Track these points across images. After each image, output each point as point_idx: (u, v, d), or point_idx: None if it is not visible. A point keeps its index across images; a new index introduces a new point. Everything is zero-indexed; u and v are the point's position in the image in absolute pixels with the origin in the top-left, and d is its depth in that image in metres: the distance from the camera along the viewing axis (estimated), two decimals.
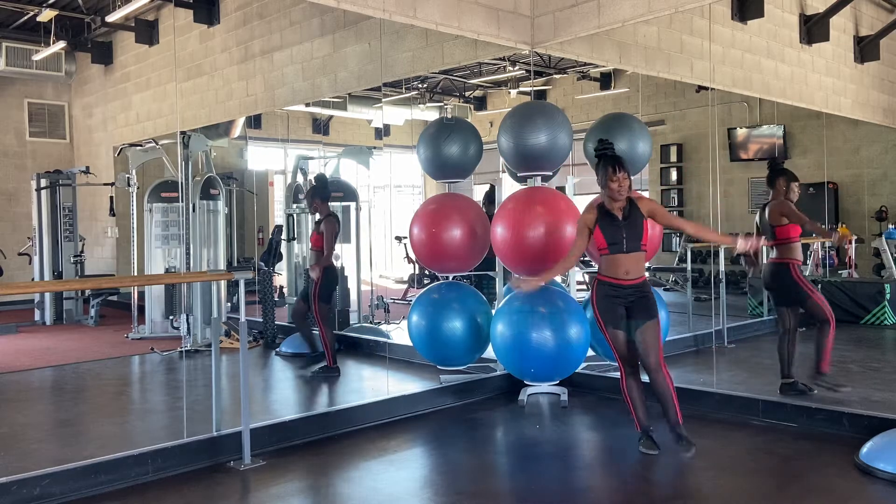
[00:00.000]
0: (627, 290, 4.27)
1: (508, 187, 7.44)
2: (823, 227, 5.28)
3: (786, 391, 5.38)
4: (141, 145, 10.22)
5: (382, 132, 12.68)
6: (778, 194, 5.51)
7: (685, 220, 4.27)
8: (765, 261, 5.81)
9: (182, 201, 8.07)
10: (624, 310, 4.30)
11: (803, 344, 5.54)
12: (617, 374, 5.90)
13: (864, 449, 4.12)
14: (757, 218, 5.77)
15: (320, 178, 6.60)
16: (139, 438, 4.73)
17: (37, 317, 10.31)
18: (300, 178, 9.42)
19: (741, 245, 4.21)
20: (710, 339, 7.04)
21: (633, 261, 4.26)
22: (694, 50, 7.15)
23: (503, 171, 6.76)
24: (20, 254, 11.08)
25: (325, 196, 6.30)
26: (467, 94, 14.09)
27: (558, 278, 6.41)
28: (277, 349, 7.58)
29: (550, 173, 6.25)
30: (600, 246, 4.29)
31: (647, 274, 4.30)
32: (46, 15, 10.31)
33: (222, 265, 8.77)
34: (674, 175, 12.03)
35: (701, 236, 4.36)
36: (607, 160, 4.25)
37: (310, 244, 6.64)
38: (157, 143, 9.93)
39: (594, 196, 6.51)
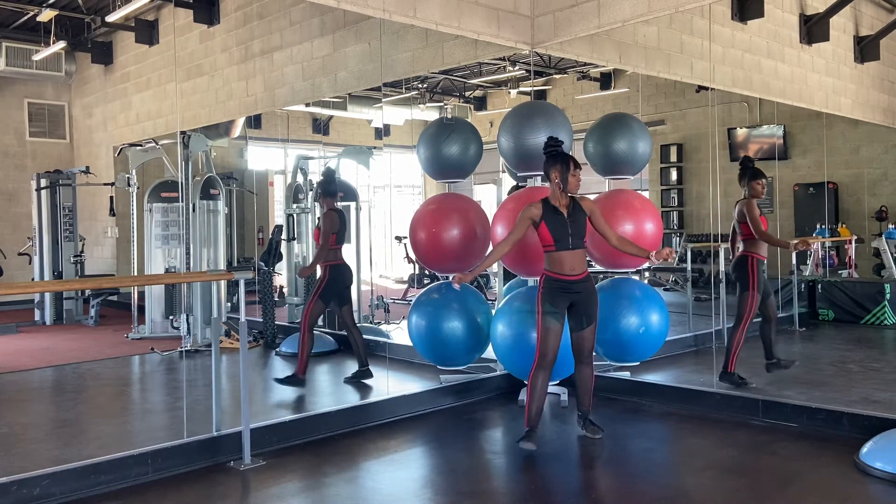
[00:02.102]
0: (576, 285, 4.47)
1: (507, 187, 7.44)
2: (778, 238, 5.82)
3: (771, 369, 5.85)
4: (141, 145, 10.22)
5: (382, 132, 12.68)
6: (748, 192, 5.85)
7: (613, 231, 4.66)
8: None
9: (182, 201, 8.06)
10: (568, 305, 4.49)
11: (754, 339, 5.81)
12: (618, 374, 5.96)
13: (864, 449, 4.12)
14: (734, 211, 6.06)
15: (325, 173, 6.45)
16: (139, 438, 4.73)
17: (37, 317, 10.31)
18: (300, 178, 9.42)
19: (654, 257, 4.54)
20: (710, 339, 7.02)
21: (577, 257, 4.47)
22: (694, 50, 7.15)
23: (503, 171, 6.76)
24: (20, 254, 11.08)
25: (327, 191, 6.14)
26: (467, 94, 14.10)
27: None
28: (277, 349, 7.58)
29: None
30: (546, 242, 4.46)
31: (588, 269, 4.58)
32: (46, 15, 10.31)
33: (222, 265, 8.77)
34: (674, 175, 12.04)
35: (623, 248, 4.65)
36: (565, 156, 4.48)
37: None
38: (157, 143, 9.92)
39: (593, 195, 6.56)
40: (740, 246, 5.82)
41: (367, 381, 6.09)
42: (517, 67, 11.92)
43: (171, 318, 8.54)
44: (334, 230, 5.94)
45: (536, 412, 4.48)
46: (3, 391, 6.35)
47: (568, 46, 6.21)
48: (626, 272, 6.37)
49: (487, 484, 4.12)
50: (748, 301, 5.67)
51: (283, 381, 5.95)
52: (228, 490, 3.99)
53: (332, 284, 5.98)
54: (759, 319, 5.87)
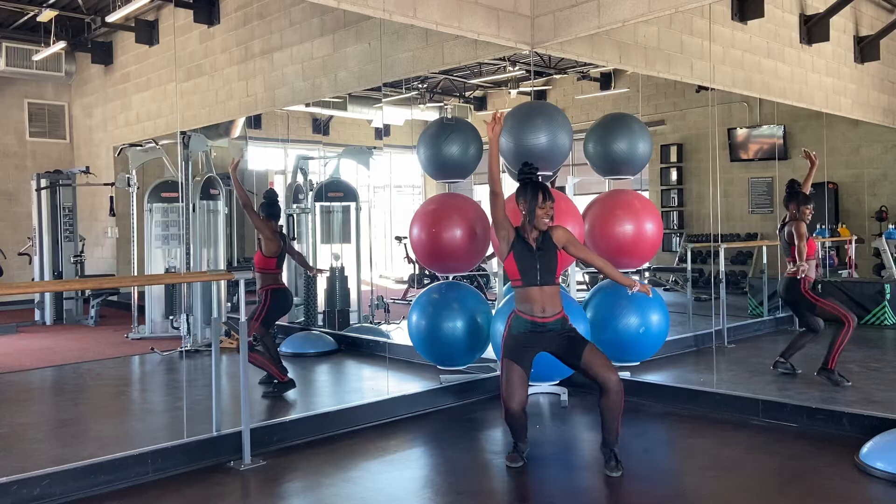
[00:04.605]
0: (549, 328, 4.11)
1: (509, 187, 7.43)
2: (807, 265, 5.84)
3: (775, 366, 6.07)
4: (141, 145, 10.23)
5: (382, 132, 12.69)
6: (793, 215, 5.97)
7: (595, 255, 4.34)
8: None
9: (182, 201, 8.07)
10: (539, 348, 4.14)
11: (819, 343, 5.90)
12: (620, 374, 5.94)
13: (864, 449, 4.12)
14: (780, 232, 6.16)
15: (267, 195, 6.20)
16: (139, 438, 4.74)
17: (37, 317, 10.31)
18: (300, 178, 9.42)
19: (637, 287, 4.27)
20: (710, 339, 7.03)
21: (548, 295, 4.12)
22: (694, 50, 7.15)
23: (503, 171, 6.75)
24: (20, 254, 11.08)
25: (270, 214, 5.98)
26: (467, 94, 14.09)
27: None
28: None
29: (550, 173, 6.25)
30: (513, 276, 4.15)
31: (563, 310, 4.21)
32: (46, 15, 10.31)
33: (222, 265, 8.77)
34: (674, 175, 12.03)
35: (606, 273, 4.33)
36: (535, 186, 4.16)
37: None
38: (157, 143, 9.93)
39: (593, 196, 6.56)
40: (789, 266, 5.86)
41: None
42: (517, 67, 11.91)
43: (171, 318, 8.55)
44: (276, 254, 5.87)
45: (521, 437, 4.27)
46: (3, 391, 6.35)
47: (568, 46, 6.21)
48: (627, 272, 6.36)
49: (487, 484, 4.12)
50: (830, 310, 5.73)
51: (271, 394, 5.73)
52: (228, 490, 3.99)
53: (273, 309, 5.88)
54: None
